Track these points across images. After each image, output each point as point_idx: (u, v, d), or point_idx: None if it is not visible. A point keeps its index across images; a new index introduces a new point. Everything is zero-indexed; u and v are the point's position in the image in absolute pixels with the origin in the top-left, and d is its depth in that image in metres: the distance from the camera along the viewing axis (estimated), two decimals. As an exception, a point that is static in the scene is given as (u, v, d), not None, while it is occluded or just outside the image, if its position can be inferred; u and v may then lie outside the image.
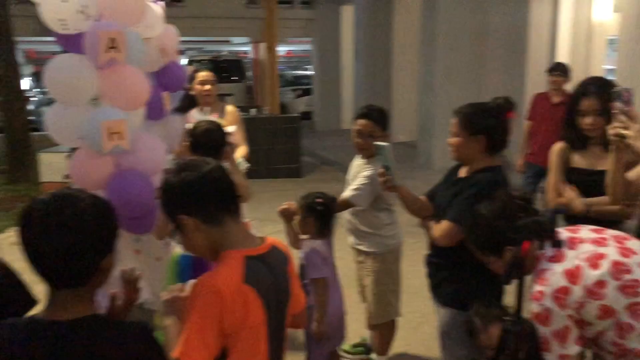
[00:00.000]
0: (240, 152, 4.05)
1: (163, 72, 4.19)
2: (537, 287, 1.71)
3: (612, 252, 1.74)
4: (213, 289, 1.47)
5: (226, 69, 15.11)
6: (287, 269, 1.73)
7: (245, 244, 1.61)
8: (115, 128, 2.98)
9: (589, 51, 14.48)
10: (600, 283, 1.68)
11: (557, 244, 1.64)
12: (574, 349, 1.72)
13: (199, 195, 1.55)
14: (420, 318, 4.11)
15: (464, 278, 2.51)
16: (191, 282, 1.59)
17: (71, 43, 3.21)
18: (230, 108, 4.35)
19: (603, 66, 15.91)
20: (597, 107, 2.52)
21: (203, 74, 4.16)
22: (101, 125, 2.92)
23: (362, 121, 3.15)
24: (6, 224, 6.41)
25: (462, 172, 2.58)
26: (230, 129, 3.65)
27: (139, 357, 1.36)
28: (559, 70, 5.79)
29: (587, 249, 1.75)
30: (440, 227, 2.48)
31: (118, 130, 2.99)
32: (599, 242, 1.78)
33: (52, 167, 5.84)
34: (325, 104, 14.86)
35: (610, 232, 1.85)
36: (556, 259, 1.74)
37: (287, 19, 15.18)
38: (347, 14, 14.17)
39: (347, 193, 3.12)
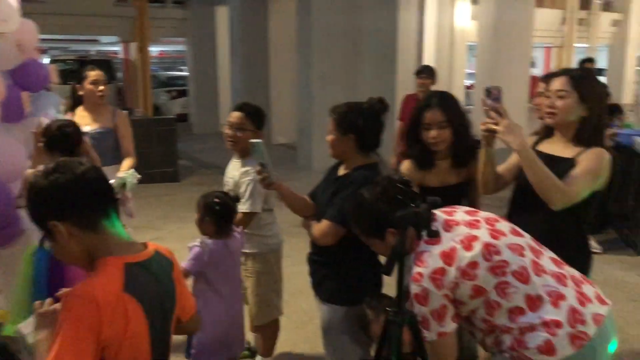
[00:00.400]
0: (128, 164, 3.81)
1: (21, 70, 3.88)
2: (416, 269, 1.78)
3: (483, 234, 1.84)
4: (89, 299, 1.37)
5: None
6: (172, 274, 1.65)
7: (125, 250, 1.52)
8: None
9: (452, 55, 15.51)
10: (473, 264, 1.78)
11: (434, 233, 1.71)
12: (451, 326, 1.81)
13: (73, 198, 1.44)
14: (304, 317, 4.14)
15: (345, 275, 2.56)
16: (64, 290, 1.47)
17: None
18: (121, 112, 4.11)
19: (465, 70, 17.17)
20: (441, 119, 2.59)
21: (95, 73, 3.88)
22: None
23: (234, 113, 3.14)
24: None
25: (341, 171, 2.62)
26: (85, 128, 3.45)
27: None
28: (426, 73, 6.13)
29: (462, 231, 1.85)
30: (320, 227, 2.50)
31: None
32: (472, 225, 1.88)
33: None
34: (202, 106, 14.56)
35: (482, 215, 1.97)
36: (433, 241, 1.82)
37: (160, 19, 14.70)
38: (222, 14, 14.00)
39: (243, 207, 3.05)
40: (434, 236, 1.72)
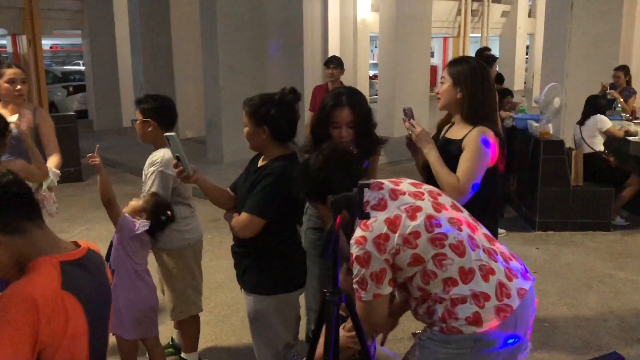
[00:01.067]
0: (54, 161, 3.58)
1: None
2: (360, 233, 1.84)
3: (427, 206, 1.93)
4: (27, 298, 1.33)
5: (-21, 65, 13.29)
6: (105, 271, 1.63)
7: (57, 249, 1.48)
8: None
9: (355, 46, 15.85)
10: (416, 233, 1.86)
11: (365, 216, 1.76)
12: (387, 289, 1.89)
13: None
14: (227, 310, 4.12)
15: (267, 265, 2.57)
16: None
17: None
18: (41, 109, 3.84)
19: (369, 61, 17.59)
20: (349, 119, 2.67)
21: (13, 71, 3.56)
22: None
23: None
24: None
25: (260, 162, 2.63)
26: (11, 118, 3.23)
27: None
28: (334, 63, 6.24)
29: (407, 200, 1.93)
30: (239, 220, 2.50)
31: None
32: (417, 196, 1.96)
33: None
34: (102, 102, 13.91)
35: (426, 187, 2.07)
36: (379, 207, 1.89)
37: (51, 10, 13.86)
38: (120, 3, 13.44)
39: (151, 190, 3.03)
40: (366, 218, 1.77)
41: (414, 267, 1.87)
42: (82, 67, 17.93)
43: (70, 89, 15.38)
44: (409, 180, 2.09)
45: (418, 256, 1.85)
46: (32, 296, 1.34)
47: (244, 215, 2.48)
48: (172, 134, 2.44)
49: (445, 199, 2.03)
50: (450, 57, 19.21)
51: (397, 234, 1.83)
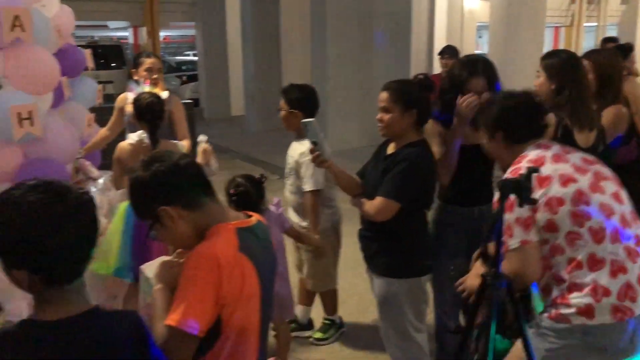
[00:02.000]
0: (185, 146, 3.88)
1: (60, 55, 3.92)
2: (509, 177, 1.85)
3: (583, 182, 1.90)
4: (211, 257, 1.47)
5: (104, 55, 14.31)
6: (272, 240, 1.76)
7: (232, 218, 1.62)
8: (24, 114, 2.75)
9: (462, 36, 15.47)
10: (560, 200, 1.85)
11: (533, 201, 1.76)
12: (535, 236, 1.87)
13: (176, 183, 1.54)
14: (343, 294, 4.18)
15: (397, 248, 2.63)
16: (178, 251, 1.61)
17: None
18: (176, 97, 4.19)
19: (475, 51, 17.11)
20: (484, 88, 2.62)
21: (151, 60, 3.93)
22: (10, 110, 2.68)
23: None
24: None
25: (391, 149, 2.68)
26: (163, 94, 3.60)
27: (135, 348, 1.32)
28: (448, 53, 6.18)
29: (565, 169, 1.92)
30: (374, 204, 2.56)
31: (28, 116, 2.77)
32: (579, 170, 1.94)
33: None
34: (213, 91, 14.53)
35: (596, 167, 2.01)
36: (536, 163, 1.90)
37: (169, 2, 14.65)
38: (232, -4, 13.95)
39: (307, 186, 3.20)
40: (533, 204, 1.77)
41: (546, 233, 1.84)
42: (193, 58, 18.77)
43: (184, 78, 16.20)
44: (582, 154, 2.06)
45: (553, 224, 1.83)
46: (215, 256, 1.47)
47: (379, 199, 2.54)
48: (311, 120, 2.54)
49: (609, 185, 1.96)
50: (562, 48, 18.25)
51: (541, 191, 1.83)
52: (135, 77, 3.94)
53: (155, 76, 3.90)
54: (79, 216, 1.25)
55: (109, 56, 14.49)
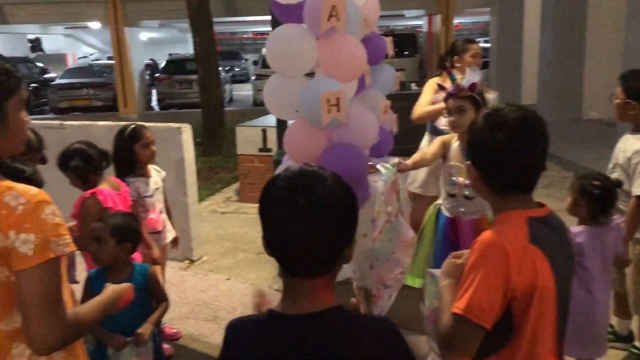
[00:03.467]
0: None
1: (365, 43, 4.06)
2: None
3: None
4: (499, 247, 1.40)
5: (399, 44, 14.86)
6: (568, 235, 1.61)
7: (525, 206, 1.51)
8: (333, 100, 2.90)
9: None
10: None
11: None
12: None
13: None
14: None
15: None
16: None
17: (288, 13, 3.19)
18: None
19: None
20: None
21: (477, 47, 3.96)
22: (321, 97, 2.85)
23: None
24: (205, 193, 6.84)
25: None
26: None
27: (386, 354, 1.21)
28: None
29: None
30: None
31: (335, 102, 2.91)
32: None
33: (247, 140, 6.08)
34: (504, 78, 13.96)
35: None
36: None
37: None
38: (533, -20, 13.12)
39: (637, 190, 2.76)
40: None
41: None
42: (484, 45, 18.31)
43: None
44: None
45: None
46: (502, 244, 1.40)
47: None
48: None
49: None
50: None
51: None
52: (458, 64, 3.88)
53: (479, 61, 3.88)
54: (321, 211, 1.15)
55: (403, 44, 14.98)
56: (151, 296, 2.48)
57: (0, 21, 17.31)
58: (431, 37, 16.61)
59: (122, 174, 3.24)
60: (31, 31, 25.93)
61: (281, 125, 3.96)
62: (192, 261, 4.82)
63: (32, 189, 1.39)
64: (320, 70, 3.09)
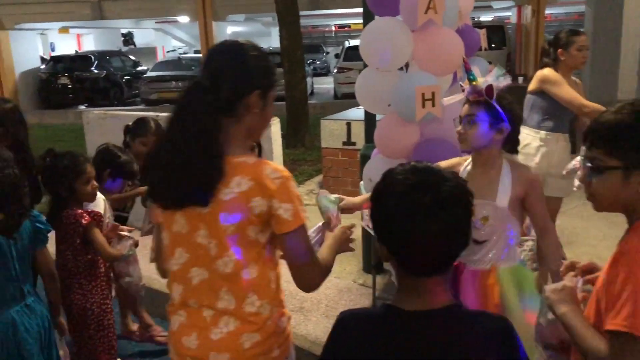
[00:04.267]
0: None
1: (459, 36, 3.96)
2: None
3: None
4: None
5: (486, 36, 14.41)
6: None
7: None
8: (428, 94, 2.84)
9: None
10: None
11: None
12: None
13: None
14: None
15: None
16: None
17: (383, 5, 3.15)
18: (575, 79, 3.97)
19: None
20: None
21: (584, 39, 3.77)
22: (416, 91, 2.80)
23: None
24: (289, 184, 6.87)
25: None
26: None
27: (500, 355, 1.20)
28: None
29: None
30: None
31: (430, 97, 2.85)
32: None
33: (332, 134, 6.09)
34: (598, 72, 13.21)
35: None
36: None
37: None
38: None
39: None
40: None
41: None
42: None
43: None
44: None
45: None
46: None
47: None
48: None
49: None
50: None
51: None
52: (562, 57, 3.67)
53: (586, 54, 3.68)
54: (446, 209, 1.15)
55: (491, 37, 14.51)
56: None
57: (99, 17, 18.30)
58: (520, 29, 15.97)
59: None
60: (124, 26, 27.27)
61: (370, 119, 3.93)
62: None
63: (281, 167, 1.61)
64: (415, 63, 3.03)
